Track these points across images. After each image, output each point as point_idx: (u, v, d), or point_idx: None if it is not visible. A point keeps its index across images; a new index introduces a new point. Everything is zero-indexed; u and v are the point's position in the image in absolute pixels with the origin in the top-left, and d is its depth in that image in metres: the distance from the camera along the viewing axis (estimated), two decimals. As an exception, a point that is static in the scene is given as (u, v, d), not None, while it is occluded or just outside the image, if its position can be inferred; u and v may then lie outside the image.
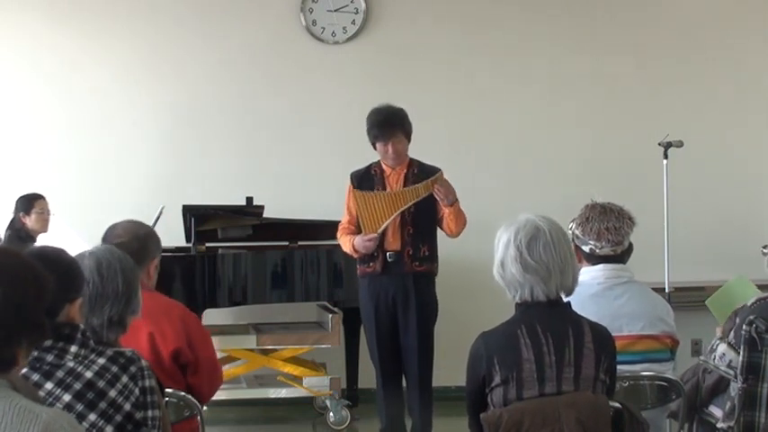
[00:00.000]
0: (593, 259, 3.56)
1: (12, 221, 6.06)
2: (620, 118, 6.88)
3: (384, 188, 5.08)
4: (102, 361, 2.49)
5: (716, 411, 3.73)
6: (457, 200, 5.04)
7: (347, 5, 6.73)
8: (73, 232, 6.29)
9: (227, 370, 5.79)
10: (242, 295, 5.92)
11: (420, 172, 5.11)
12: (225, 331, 6.12)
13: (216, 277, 5.86)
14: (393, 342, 5.12)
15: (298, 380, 6.09)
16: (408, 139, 5.11)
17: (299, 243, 6.20)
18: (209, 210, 6.06)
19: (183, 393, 3.15)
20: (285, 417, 6.38)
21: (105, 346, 2.55)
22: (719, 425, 3.60)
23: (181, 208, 5.96)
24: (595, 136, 6.87)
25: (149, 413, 2.52)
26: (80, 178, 6.61)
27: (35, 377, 2.43)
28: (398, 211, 5.01)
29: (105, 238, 3.35)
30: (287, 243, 6.21)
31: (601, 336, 2.85)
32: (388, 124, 5.04)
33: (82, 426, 2.36)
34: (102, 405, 2.44)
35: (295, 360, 6.20)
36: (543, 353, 2.75)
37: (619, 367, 3.02)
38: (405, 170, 5.12)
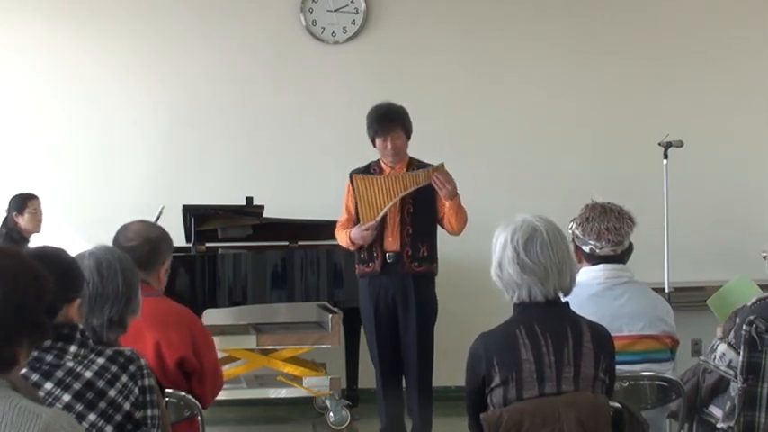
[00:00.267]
0: (594, 259, 3.56)
1: (4, 221, 6.05)
2: (620, 118, 6.88)
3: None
4: (101, 360, 2.49)
5: (716, 411, 3.73)
6: (458, 194, 5.04)
7: (347, 5, 6.73)
8: (73, 232, 6.29)
9: (228, 370, 5.79)
10: (242, 295, 5.92)
11: (420, 171, 5.11)
12: (225, 331, 6.12)
13: (216, 277, 5.86)
14: (393, 342, 5.12)
15: (298, 380, 6.09)
16: (408, 137, 5.12)
17: (299, 243, 6.20)
18: (209, 210, 6.06)
19: (183, 393, 3.15)
20: (285, 417, 6.38)
21: (105, 346, 2.55)
22: (719, 425, 3.60)
23: (181, 208, 5.96)
24: (595, 136, 6.87)
25: (149, 412, 2.52)
26: (80, 178, 6.60)
27: (35, 377, 2.43)
28: (397, 198, 5.00)
29: (116, 239, 3.31)
30: (287, 243, 6.21)
31: (599, 335, 2.85)
32: (388, 119, 5.05)
33: (82, 425, 2.36)
34: (102, 405, 2.44)
35: (295, 360, 6.19)
36: (542, 353, 2.75)
37: (619, 367, 3.02)
38: (404, 169, 5.11)
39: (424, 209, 5.07)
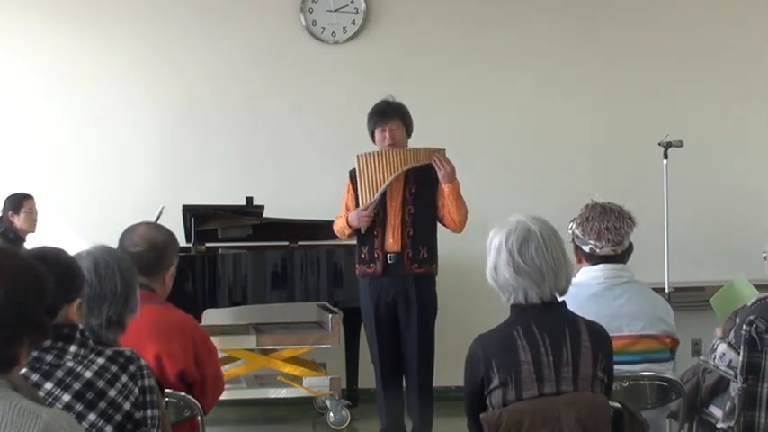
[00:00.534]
0: (594, 259, 3.56)
1: (0, 221, 6.05)
2: (621, 118, 6.88)
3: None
4: (101, 360, 2.49)
5: (716, 411, 3.73)
6: (457, 180, 5.04)
7: (347, 5, 6.73)
8: (73, 232, 6.29)
9: (228, 370, 5.79)
10: (242, 295, 5.92)
11: (421, 171, 5.11)
12: (225, 331, 6.12)
13: (216, 277, 5.86)
14: (393, 342, 5.12)
15: (298, 380, 6.09)
16: (408, 133, 5.13)
17: (299, 243, 6.20)
18: (210, 210, 6.06)
19: (182, 393, 3.14)
20: (285, 417, 6.38)
21: (104, 346, 2.55)
22: (719, 425, 3.61)
23: (181, 208, 5.96)
24: (595, 136, 6.87)
25: (149, 412, 2.51)
26: (80, 178, 6.60)
27: (34, 377, 2.43)
28: (397, 174, 5.01)
29: (121, 243, 3.25)
30: (287, 243, 6.21)
31: (597, 334, 2.85)
32: (388, 110, 5.09)
33: (82, 426, 2.36)
34: (102, 405, 2.44)
35: (295, 360, 6.19)
36: (541, 353, 2.75)
37: (619, 367, 3.02)
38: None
39: (424, 210, 5.07)
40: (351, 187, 5.16)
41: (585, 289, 3.46)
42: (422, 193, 5.08)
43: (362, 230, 5.07)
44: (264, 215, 6.12)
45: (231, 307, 6.06)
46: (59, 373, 2.44)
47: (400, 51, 6.78)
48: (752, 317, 3.48)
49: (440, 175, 5.03)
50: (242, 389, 6.10)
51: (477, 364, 2.80)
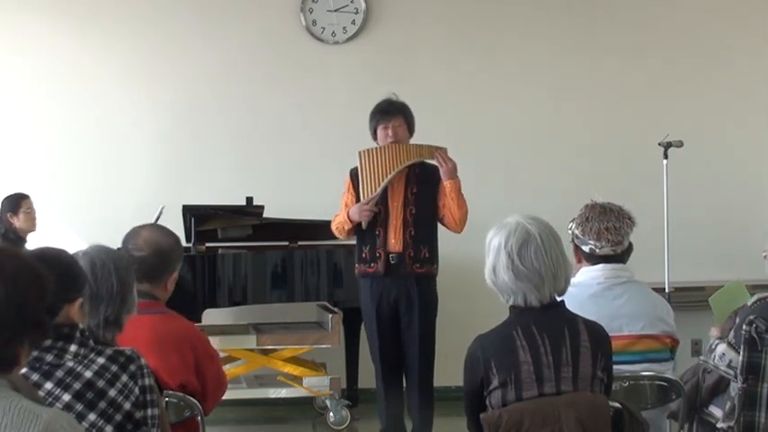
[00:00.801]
0: (593, 259, 3.56)
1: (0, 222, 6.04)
2: (620, 118, 6.88)
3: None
4: (101, 360, 2.48)
5: (716, 411, 3.73)
6: (458, 178, 5.05)
7: (347, 5, 6.73)
8: (72, 232, 6.29)
9: (228, 370, 5.77)
10: (242, 295, 5.92)
11: (422, 171, 5.12)
12: (225, 331, 6.12)
13: (216, 277, 5.86)
14: (394, 342, 5.12)
15: (298, 380, 6.09)
16: (410, 131, 5.14)
17: (299, 243, 6.20)
18: (209, 210, 6.06)
19: (182, 393, 3.14)
20: (285, 417, 6.38)
21: (104, 346, 2.55)
22: (719, 425, 3.61)
23: (181, 208, 5.96)
24: (595, 136, 6.87)
25: (149, 412, 2.51)
26: (80, 178, 6.60)
27: (35, 377, 2.43)
28: (399, 168, 5.01)
29: (125, 244, 3.22)
30: (287, 243, 6.21)
31: (596, 333, 2.85)
32: (391, 108, 5.11)
33: (82, 426, 2.36)
34: (102, 404, 2.44)
35: (295, 360, 6.19)
36: (540, 354, 2.75)
37: (619, 367, 3.02)
38: (406, 168, 5.11)
39: (425, 210, 5.07)
40: (351, 186, 5.16)
41: (585, 289, 3.46)
42: (423, 193, 5.08)
43: (363, 225, 5.06)
44: (264, 215, 6.12)
45: (231, 307, 6.06)
46: (59, 373, 2.44)
47: (400, 51, 6.78)
48: (752, 317, 3.48)
49: (442, 171, 5.03)
50: (242, 389, 6.10)
51: (476, 364, 2.80)
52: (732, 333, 3.58)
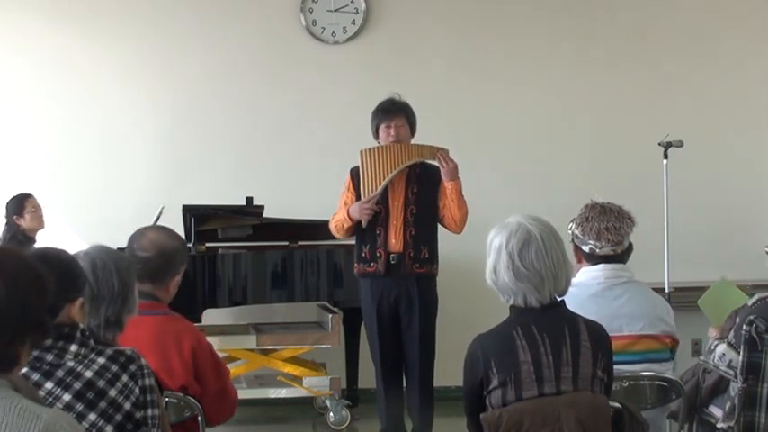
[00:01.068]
0: (593, 259, 3.56)
1: (7, 226, 6.02)
2: (621, 118, 6.88)
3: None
4: (102, 360, 2.48)
5: (716, 411, 3.73)
6: (459, 179, 5.05)
7: (347, 5, 6.73)
8: (73, 232, 6.30)
9: (228, 370, 5.78)
10: (242, 295, 5.92)
11: (423, 171, 5.12)
12: (225, 331, 6.12)
13: (216, 277, 5.86)
14: (394, 342, 5.12)
15: (298, 380, 6.09)
16: (412, 131, 5.14)
17: (299, 243, 6.20)
18: (209, 210, 6.06)
19: (182, 393, 3.14)
20: (285, 417, 6.38)
21: (105, 346, 2.55)
22: (719, 425, 3.60)
23: (181, 208, 5.96)
24: (595, 136, 6.87)
25: (149, 412, 2.51)
26: (80, 178, 6.60)
27: (35, 377, 2.43)
28: (400, 168, 5.01)
29: (130, 245, 3.22)
30: (287, 243, 6.21)
31: (597, 333, 2.85)
32: (393, 107, 5.11)
33: (82, 426, 2.36)
34: (102, 404, 2.44)
35: (295, 360, 6.19)
36: (540, 353, 2.75)
37: (619, 367, 3.02)
38: (407, 168, 5.11)
39: (426, 210, 5.07)
40: (351, 184, 5.16)
41: (585, 289, 3.46)
42: (424, 193, 5.08)
43: (363, 224, 5.06)
44: (264, 215, 6.12)
45: (231, 307, 6.06)
46: (60, 373, 2.44)
47: (400, 51, 6.78)
48: (752, 317, 3.48)
49: (443, 172, 5.03)
50: (242, 389, 6.08)
51: (476, 364, 2.80)
52: (732, 333, 3.58)
